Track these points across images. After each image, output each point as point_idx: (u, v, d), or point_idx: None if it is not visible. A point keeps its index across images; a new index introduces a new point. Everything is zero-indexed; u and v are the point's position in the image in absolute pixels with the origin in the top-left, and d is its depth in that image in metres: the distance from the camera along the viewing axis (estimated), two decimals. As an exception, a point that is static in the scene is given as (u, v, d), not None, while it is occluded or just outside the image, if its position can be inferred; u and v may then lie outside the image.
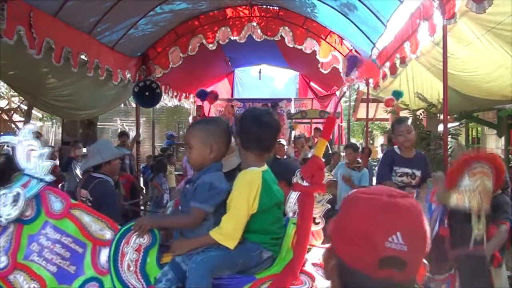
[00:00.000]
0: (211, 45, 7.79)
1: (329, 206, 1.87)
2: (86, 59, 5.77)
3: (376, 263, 0.85)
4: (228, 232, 1.95)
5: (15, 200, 2.19)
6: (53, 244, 2.25)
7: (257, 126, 2.02)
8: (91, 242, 2.30)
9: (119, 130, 17.96)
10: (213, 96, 8.92)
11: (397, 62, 5.85)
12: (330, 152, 10.18)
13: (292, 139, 9.17)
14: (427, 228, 0.93)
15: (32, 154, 2.27)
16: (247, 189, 1.95)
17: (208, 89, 13.15)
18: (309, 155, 5.48)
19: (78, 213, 2.31)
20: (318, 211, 1.96)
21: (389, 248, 0.85)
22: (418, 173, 3.62)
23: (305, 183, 1.85)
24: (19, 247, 2.24)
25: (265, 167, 2.06)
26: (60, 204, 2.31)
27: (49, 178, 2.29)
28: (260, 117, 2.04)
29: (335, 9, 6.71)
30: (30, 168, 2.27)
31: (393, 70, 6.24)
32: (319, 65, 7.86)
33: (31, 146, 2.27)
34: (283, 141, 6.67)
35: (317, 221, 1.92)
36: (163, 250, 2.32)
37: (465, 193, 2.42)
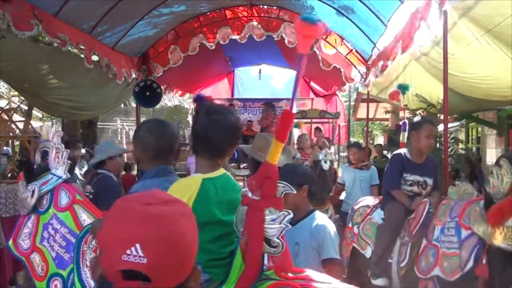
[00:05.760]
0: (211, 44, 7.77)
1: (289, 226, 1.49)
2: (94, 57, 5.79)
3: (117, 273, 0.81)
4: None
5: (32, 194, 2.65)
6: (55, 233, 2.61)
7: (207, 127, 1.70)
8: None
9: (119, 130, 17.98)
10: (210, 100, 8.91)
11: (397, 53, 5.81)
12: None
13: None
14: (188, 236, 0.86)
15: (57, 156, 2.74)
16: None
17: (208, 89, 13.19)
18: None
19: (77, 208, 2.63)
20: (273, 231, 1.50)
21: (126, 261, 0.80)
22: (429, 181, 3.23)
23: (254, 196, 1.47)
24: (37, 233, 2.65)
25: (216, 173, 1.73)
26: (67, 199, 2.66)
27: (65, 176, 2.71)
28: (210, 116, 1.70)
29: (335, 9, 6.71)
30: (53, 167, 2.74)
31: (383, 69, 6.29)
32: (320, 63, 7.83)
33: (58, 149, 2.75)
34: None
35: (274, 243, 1.49)
36: None
37: None
